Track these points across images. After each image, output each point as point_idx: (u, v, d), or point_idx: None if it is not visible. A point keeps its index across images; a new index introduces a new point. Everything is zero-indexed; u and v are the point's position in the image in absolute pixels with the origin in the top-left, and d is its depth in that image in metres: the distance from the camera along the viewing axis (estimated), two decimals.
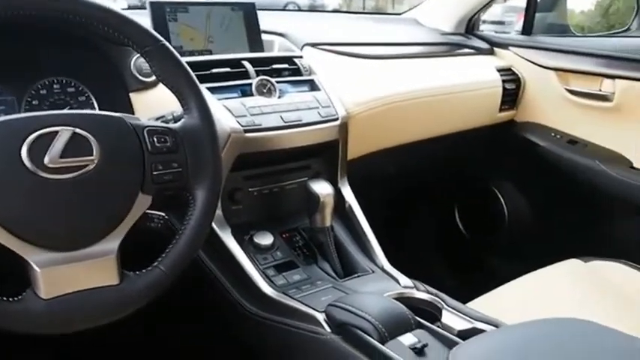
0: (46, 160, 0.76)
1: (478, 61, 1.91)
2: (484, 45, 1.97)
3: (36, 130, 0.77)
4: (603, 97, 1.72)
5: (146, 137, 0.84)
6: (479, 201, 2.13)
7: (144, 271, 0.84)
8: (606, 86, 1.71)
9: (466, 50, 1.94)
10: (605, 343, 0.78)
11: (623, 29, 1.94)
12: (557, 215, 1.92)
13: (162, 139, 0.85)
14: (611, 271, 1.43)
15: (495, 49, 1.97)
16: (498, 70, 1.86)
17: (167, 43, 0.88)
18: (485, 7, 2.01)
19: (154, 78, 1.05)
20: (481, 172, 2.11)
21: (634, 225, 1.70)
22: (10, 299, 0.75)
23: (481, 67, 1.88)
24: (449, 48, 1.93)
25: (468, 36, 2.02)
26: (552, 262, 1.44)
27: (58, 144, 0.77)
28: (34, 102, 1.11)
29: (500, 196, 2.04)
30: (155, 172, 0.84)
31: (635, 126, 1.68)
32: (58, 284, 0.78)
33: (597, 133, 1.77)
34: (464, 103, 1.77)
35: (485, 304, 1.24)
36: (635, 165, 1.69)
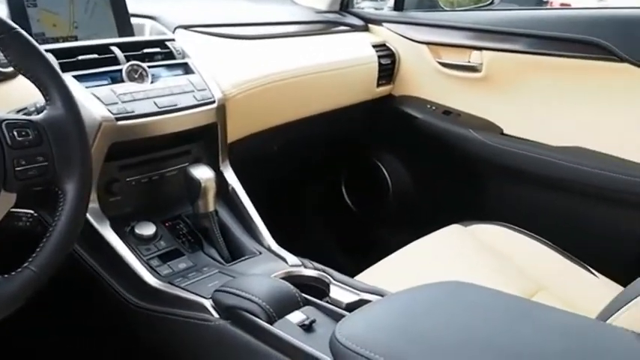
0: None
1: (353, 38, 1.92)
2: (359, 22, 1.99)
3: None
4: (472, 68, 1.79)
5: (5, 131, 0.79)
6: (364, 175, 2.16)
7: (13, 273, 0.80)
8: (474, 57, 1.78)
9: (341, 28, 1.95)
10: (483, 302, 0.80)
11: (488, 3, 2.01)
12: (438, 183, 1.98)
13: (24, 133, 0.80)
14: (489, 233, 1.50)
15: (370, 25, 1.99)
16: (373, 46, 1.89)
17: (21, 30, 0.83)
18: None
19: (12, 68, 0.99)
20: (364, 147, 2.14)
21: (508, 188, 1.78)
22: None
23: (356, 43, 1.89)
24: (324, 26, 1.93)
25: (343, 13, 2.04)
26: (436, 229, 1.49)
27: None
28: None
29: (383, 169, 2.08)
30: (18, 168, 0.79)
31: (503, 94, 1.76)
32: None
33: (469, 102, 1.83)
34: (341, 79, 1.78)
35: (373, 275, 1.27)
36: (505, 131, 1.76)
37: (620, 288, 1.24)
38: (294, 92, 1.63)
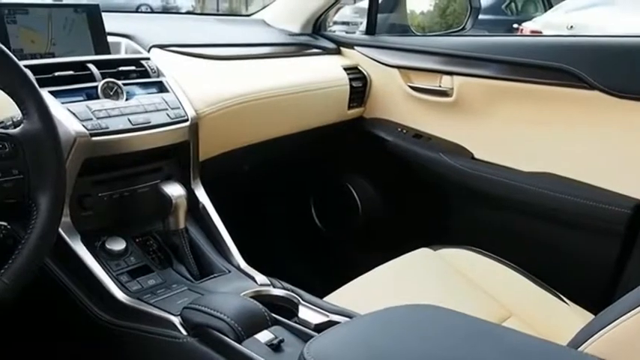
0: None
1: (325, 61, 1.95)
2: (331, 45, 2.02)
3: None
4: (443, 93, 1.81)
5: None
6: (333, 196, 2.17)
7: None
8: (445, 82, 1.80)
9: (314, 50, 1.97)
10: (450, 326, 0.81)
11: (459, 28, 2.05)
12: (408, 207, 1.99)
13: (0, 146, 0.81)
14: (457, 257, 1.50)
15: (342, 48, 2.02)
16: (345, 69, 1.91)
17: (2, 46, 0.85)
18: (330, 8, 2.06)
19: None
20: (334, 168, 2.15)
21: (478, 213, 1.80)
22: None
23: (328, 66, 1.92)
24: (297, 48, 1.95)
25: (316, 36, 2.06)
26: (405, 252, 1.50)
27: None
28: None
29: (353, 191, 2.09)
30: None
31: (474, 119, 1.78)
32: None
33: (440, 126, 1.85)
34: (313, 101, 1.80)
35: (342, 296, 1.27)
36: (475, 156, 1.77)
37: (591, 316, 1.24)
38: (266, 112, 1.64)
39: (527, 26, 6.93)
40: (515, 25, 7.12)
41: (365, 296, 1.31)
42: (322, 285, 1.32)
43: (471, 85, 1.75)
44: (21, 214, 0.91)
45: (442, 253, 1.52)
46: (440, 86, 1.82)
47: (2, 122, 1.01)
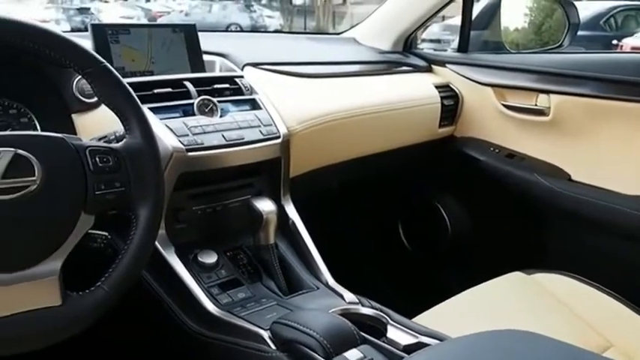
0: None
1: (416, 79, 1.93)
2: (422, 62, 2.00)
3: None
4: (539, 112, 1.76)
5: (88, 157, 0.84)
6: (422, 216, 2.15)
7: (87, 291, 0.84)
8: (542, 101, 1.75)
9: (404, 68, 1.96)
10: (547, 354, 0.79)
11: (556, 45, 1.99)
12: (500, 229, 1.95)
13: (105, 159, 0.85)
14: (553, 282, 1.45)
15: (433, 66, 2.00)
16: (436, 87, 1.89)
17: (108, 65, 0.89)
18: (422, 26, 2.04)
19: (96, 99, 1.06)
20: (423, 188, 2.13)
21: (574, 236, 1.74)
22: None
23: (419, 84, 1.90)
24: (387, 66, 1.95)
25: (406, 54, 2.05)
26: (496, 275, 1.46)
27: (0, 165, 0.76)
28: None
29: (442, 211, 2.06)
30: (97, 192, 0.84)
31: (571, 139, 1.72)
32: None
33: (535, 146, 1.80)
34: (404, 119, 1.79)
35: (431, 318, 1.25)
36: (573, 177, 1.72)
37: None
38: (356, 130, 1.64)
39: (628, 42, 6.67)
40: (614, 42, 6.88)
41: (456, 319, 1.29)
42: (409, 306, 1.30)
43: (570, 103, 1.69)
44: (120, 225, 0.95)
45: (536, 277, 1.46)
46: (536, 105, 1.76)
47: (105, 137, 1.06)
